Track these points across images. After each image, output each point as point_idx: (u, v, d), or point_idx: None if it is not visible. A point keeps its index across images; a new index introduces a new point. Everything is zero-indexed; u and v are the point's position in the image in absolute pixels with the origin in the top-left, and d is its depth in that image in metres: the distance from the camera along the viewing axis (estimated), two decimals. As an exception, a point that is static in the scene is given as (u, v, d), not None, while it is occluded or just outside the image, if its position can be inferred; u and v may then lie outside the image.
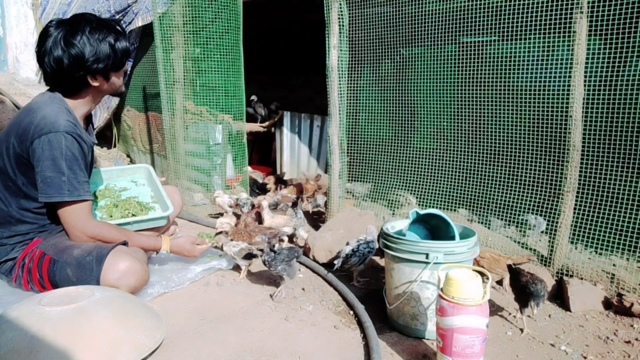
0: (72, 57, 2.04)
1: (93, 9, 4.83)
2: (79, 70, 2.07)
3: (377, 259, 2.81)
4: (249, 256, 2.48)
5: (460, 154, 2.98)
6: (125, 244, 2.19)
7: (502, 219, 2.81)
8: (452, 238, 1.98)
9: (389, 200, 3.31)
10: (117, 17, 4.53)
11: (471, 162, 2.91)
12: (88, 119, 2.35)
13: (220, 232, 2.78)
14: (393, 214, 3.28)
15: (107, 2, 4.70)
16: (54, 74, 2.09)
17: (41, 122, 2.00)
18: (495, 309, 2.20)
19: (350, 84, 3.28)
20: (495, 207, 2.77)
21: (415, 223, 2.10)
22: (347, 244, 2.48)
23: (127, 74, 2.29)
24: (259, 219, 3.09)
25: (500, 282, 2.44)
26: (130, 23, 4.45)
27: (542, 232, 2.70)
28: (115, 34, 2.15)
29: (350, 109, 3.35)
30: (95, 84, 2.15)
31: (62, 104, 2.11)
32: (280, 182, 4.42)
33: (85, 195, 2.09)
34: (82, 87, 2.14)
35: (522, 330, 2.03)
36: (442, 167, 3.04)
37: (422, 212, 2.04)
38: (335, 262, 2.41)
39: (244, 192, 3.62)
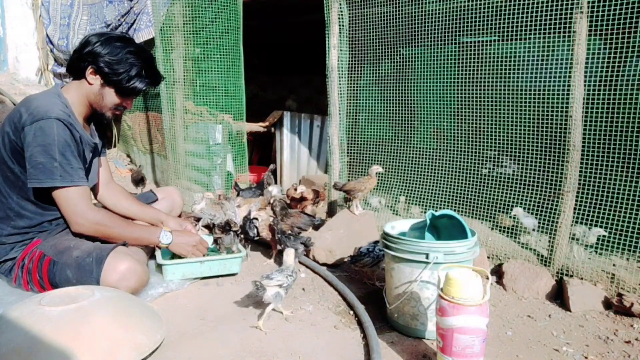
0: (95, 47, 2.09)
1: (103, 14, 4.83)
2: (88, 58, 2.10)
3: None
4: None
5: (460, 154, 2.97)
6: (125, 244, 2.19)
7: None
8: (462, 238, 1.97)
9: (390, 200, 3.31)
10: (122, 21, 4.54)
11: (471, 162, 2.90)
12: (90, 121, 2.32)
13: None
14: (394, 213, 3.28)
15: (113, 6, 4.70)
16: (74, 53, 2.15)
17: (34, 110, 2.02)
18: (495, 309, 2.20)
19: (350, 84, 3.28)
20: (495, 207, 2.77)
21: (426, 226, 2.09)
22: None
23: (121, 111, 2.29)
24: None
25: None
26: (132, 24, 4.45)
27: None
28: (145, 72, 2.17)
29: (350, 109, 3.34)
30: (91, 78, 2.14)
31: (58, 98, 2.12)
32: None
33: (79, 181, 2.08)
34: (81, 75, 2.15)
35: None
36: (442, 166, 3.04)
37: (437, 213, 2.04)
38: (348, 259, 2.41)
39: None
